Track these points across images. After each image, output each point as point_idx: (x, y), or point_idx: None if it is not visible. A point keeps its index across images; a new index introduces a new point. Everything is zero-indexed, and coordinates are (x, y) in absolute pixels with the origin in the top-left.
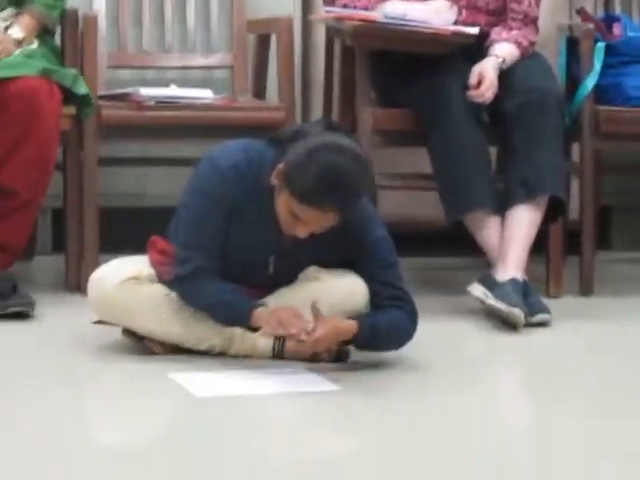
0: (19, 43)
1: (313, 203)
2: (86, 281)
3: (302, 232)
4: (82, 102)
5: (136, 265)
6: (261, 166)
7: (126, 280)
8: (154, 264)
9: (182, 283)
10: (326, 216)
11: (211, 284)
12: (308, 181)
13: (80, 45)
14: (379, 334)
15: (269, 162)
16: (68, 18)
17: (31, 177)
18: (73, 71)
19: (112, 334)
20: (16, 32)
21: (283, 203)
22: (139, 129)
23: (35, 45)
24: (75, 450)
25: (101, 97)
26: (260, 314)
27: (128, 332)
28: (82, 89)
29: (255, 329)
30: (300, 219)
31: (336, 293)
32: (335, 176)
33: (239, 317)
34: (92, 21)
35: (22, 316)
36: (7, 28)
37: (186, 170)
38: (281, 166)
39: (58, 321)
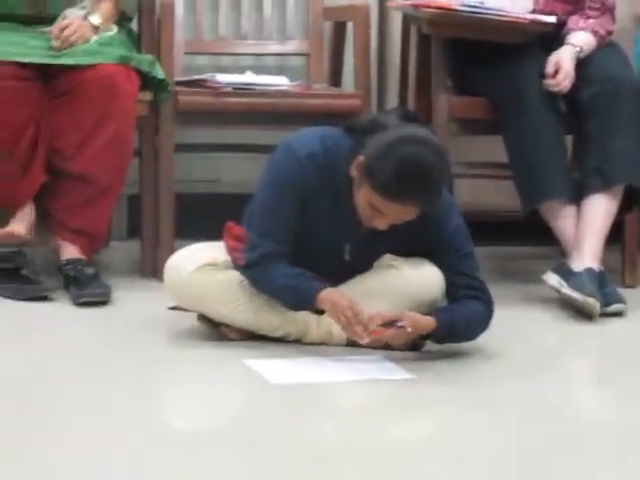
0: (96, 29)
1: (395, 197)
2: (162, 267)
3: (382, 224)
4: (159, 87)
5: (212, 251)
6: (337, 155)
7: (202, 266)
8: (229, 250)
9: (252, 268)
10: (407, 209)
11: (279, 268)
12: (390, 175)
13: (157, 32)
14: (457, 329)
15: (345, 151)
16: (145, 5)
17: (110, 162)
18: (150, 57)
19: (188, 320)
20: (95, 19)
21: (363, 196)
22: (215, 115)
23: (113, 32)
24: (151, 436)
25: (177, 83)
26: (326, 297)
27: (204, 318)
28: (159, 73)
29: (322, 312)
30: (381, 212)
31: (412, 282)
32: (417, 170)
33: (305, 300)
34: (169, 8)
35: (105, 302)
36: (87, 15)
37: (261, 157)
38: (361, 159)
39: (134, 307)
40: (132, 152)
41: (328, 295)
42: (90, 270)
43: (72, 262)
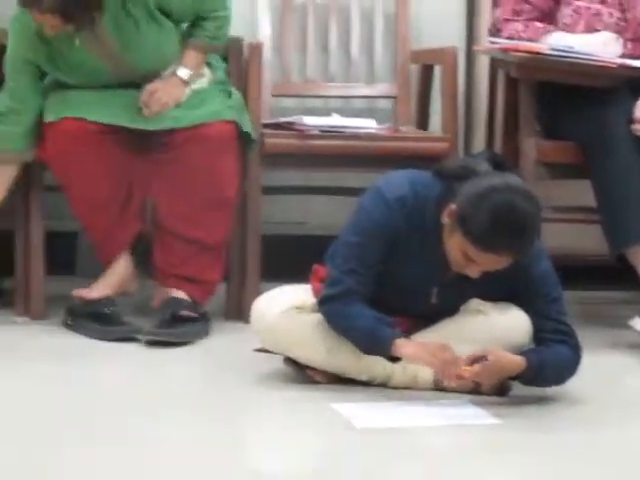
0: (186, 83)
1: (489, 248)
2: (248, 309)
3: (474, 272)
4: (245, 139)
5: (298, 294)
6: (427, 199)
7: (288, 309)
8: (315, 293)
9: (329, 303)
10: (501, 259)
11: (357, 308)
12: (484, 226)
13: (245, 73)
14: (546, 371)
15: (435, 196)
16: (233, 46)
17: (212, 221)
18: (236, 105)
19: (274, 362)
20: (183, 72)
21: (455, 244)
22: (302, 158)
23: (205, 78)
24: (235, 478)
25: (264, 125)
26: (403, 344)
27: (290, 361)
28: (247, 126)
29: (395, 359)
30: (473, 261)
31: (499, 327)
32: (512, 220)
33: (381, 345)
34: (257, 49)
35: (185, 343)
36: (175, 69)
37: (348, 199)
38: (453, 207)
39: (220, 348)
40: (234, 207)
41: (406, 342)
42: (184, 311)
43: (169, 301)
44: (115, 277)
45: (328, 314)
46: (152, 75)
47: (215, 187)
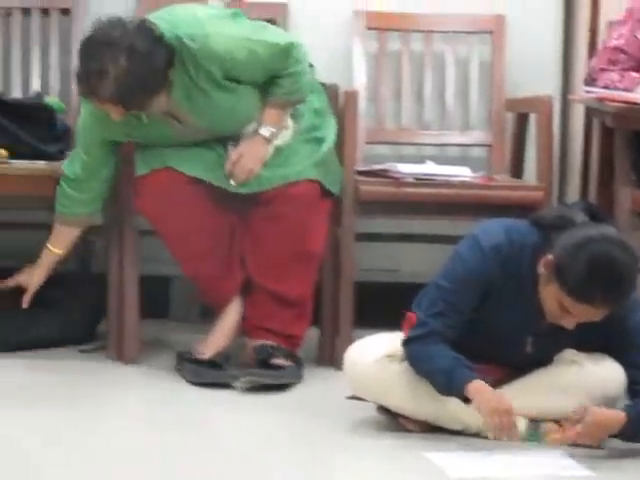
0: (269, 141)
1: (585, 299)
2: (340, 356)
3: (569, 323)
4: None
5: (391, 342)
6: (522, 248)
7: (382, 357)
8: None
9: (411, 343)
10: (598, 311)
11: (436, 348)
12: (580, 277)
13: (340, 120)
14: None
15: (531, 245)
16: (329, 93)
17: (301, 278)
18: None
19: (366, 410)
20: (265, 131)
21: (551, 294)
22: (396, 205)
23: (289, 130)
24: None
25: (359, 172)
26: (476, 388)
27: (383, 409)
28: (333, 182)
29: (469, 401)
30: (569, 312)
31: (593, 378)
32: (609, 272)
33: (455, 385)
34: (353, 97)
35: (281, 386)
36: (257, 129)
37: (442, 247)
38: (550, 258)
39: (313, 395)
40: (318, 263)
41: (479, 387)
42: (275, 359)
43: (261, 348)
44: (225, 328)
45: (409, 355)
46: (234, 134)
47: (301, 243)
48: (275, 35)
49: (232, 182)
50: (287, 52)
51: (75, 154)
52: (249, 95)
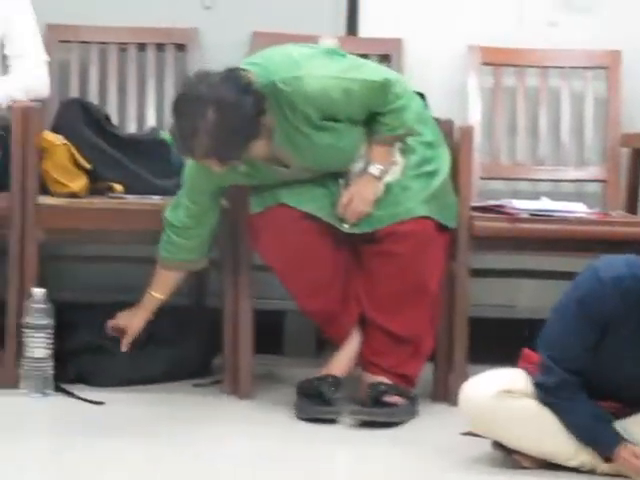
0: (379, 179)
1: None
2: (454, 391)
3: None
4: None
5: (507, 378)
6: None
7: (498, 393)
8: (525, 376)
9: (547, 393)
10: None
11: (577, 402)
12: None
13: (455, 155)
14: None
15: None
16: (444, 128)
17: (412, 315)
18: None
19: (481, 446)
20: (374, 169)
21: None
22: (511, 241)
23: (398, 166)
24: None
25: (473, 208)
26: (624, 455)
27: (498, 445)
28: (447, 216)
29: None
30: None
31: None
32: None
33: (601, 447)
34: (468, 132)
35: (393, 423)
36: (366, 167)
37: (557, 283)
38: None
39: (427, 430)
40: (434, 301)
41: (627, 453)
42: (387, 397)
43: (374, 385)
44: (342, 360)
45: (551, 406)
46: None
47: (414, 280)
48: (371, 71)
49: (345, 226)
50: (385, 89)
51: (179, 201)
52: (351, 132)
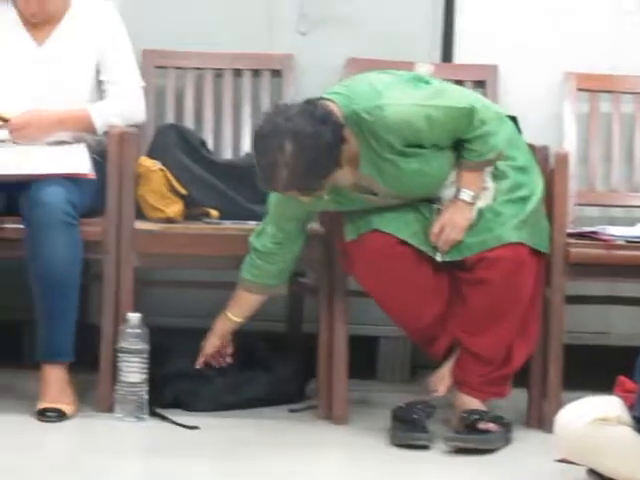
0: (471, 204)
1: None
2: (548, 418)
3: None
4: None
5: (603, 405)
6: None
7: (594, 420)
8: (622, 404)
9: None
10: None
11: None
12: None
13: (550, 181)
14: None
15: None
16: (539, 155)
17: (495, 337)
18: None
19: (576, 473)
20: (465, 195)
21: None
22: (607, 268)
23: (489, 192)
24: None
25: (569, 235)
26: None
27: (594, 472)
28: (540, 241)
29: None
30: None
31: None
32: None
33: None
34: (564, 159)
35: (487, 450)
36: (457, 193)
37: None
38: None
39: (521, 457)
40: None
41: None
42: (482, 424)
43: (470, 412)
44: (440, 379)
45: None
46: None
47: (505, 304)
48: (455, 98)
49: (438, 256)
50: (469, 115)
51: (264, 227)
52: (437, 157)
